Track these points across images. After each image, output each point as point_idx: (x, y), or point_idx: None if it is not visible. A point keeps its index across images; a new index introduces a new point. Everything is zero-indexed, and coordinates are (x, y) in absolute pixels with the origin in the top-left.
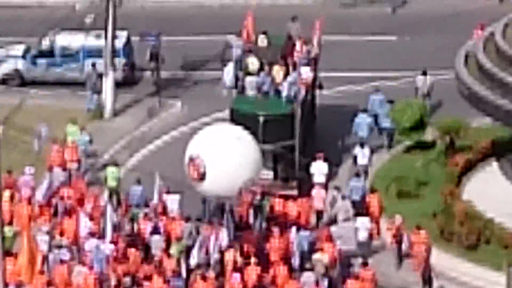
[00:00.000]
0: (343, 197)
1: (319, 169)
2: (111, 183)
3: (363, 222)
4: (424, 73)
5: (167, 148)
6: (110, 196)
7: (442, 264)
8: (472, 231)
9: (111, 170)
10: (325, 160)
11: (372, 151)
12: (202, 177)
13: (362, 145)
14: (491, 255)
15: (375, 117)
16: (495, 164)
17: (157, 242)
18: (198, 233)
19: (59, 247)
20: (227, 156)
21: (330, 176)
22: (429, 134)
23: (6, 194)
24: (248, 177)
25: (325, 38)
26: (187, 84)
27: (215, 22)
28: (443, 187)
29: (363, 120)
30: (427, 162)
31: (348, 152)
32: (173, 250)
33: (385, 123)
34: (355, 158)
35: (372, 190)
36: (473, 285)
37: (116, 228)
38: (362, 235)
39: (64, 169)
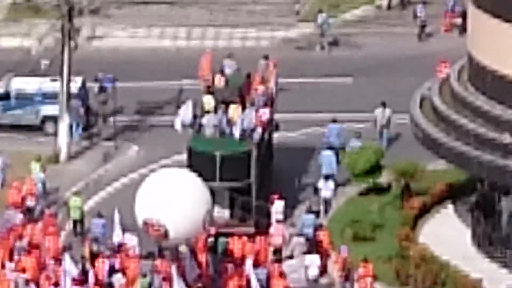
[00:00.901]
0: (298, 234)
1: (276, 207)
2: (74, 214)
3: (313, 260)
4: (383, 105)
5: (125, 191)
6: (75, 227)
7: None
8: (427, 274)
9: (74, 200)
10: (281, 198)
11: (337, 185)
12: (165, 235)
13: (326, 178)
14: None
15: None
16: (450, 207)
17: (119, 280)
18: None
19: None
20: (183, 208)
21: (286, 214)
22: (384, 178)
23: None
24: (206, 214)
25: (281, 80)
26: (143, 128)
27: (171, 66)
28: (399, 230)
29: (328, 156)
30: (383, 206)
31: (305, 191)
32: (140, 286)
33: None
34: (315, 190)
35: (321, 226)
36: None
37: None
38: (312, 273)
39: (20, 207)
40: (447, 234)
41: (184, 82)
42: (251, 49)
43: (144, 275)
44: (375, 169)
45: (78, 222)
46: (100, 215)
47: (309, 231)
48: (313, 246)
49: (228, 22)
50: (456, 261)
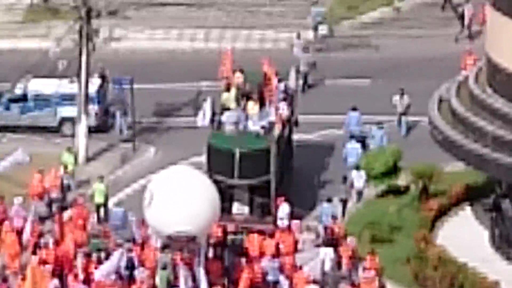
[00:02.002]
0: (308, 229)
1: (282, 211)
2: (99, 198)
3: (327, 253)
4: (402, 93)
5: (143, 192)
6: (98, 212)
7: None
8: (445, 276)
9: (98, 186)
10: (287, 201)
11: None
12: (192, 239)
13: (357, 169)
14: None
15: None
16: (468, 209)
17: (142, 273)
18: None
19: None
20: (204, 208)
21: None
22: (402, 179)
23: None
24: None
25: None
26: (161, 130)
27: (189, 67)
28: (417, 232)
29: (355, 148)
30: (401, 207)
31: (324, 189)
32: (159, 278)
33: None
34: (344, 179)
35: (334, 217)
36: None
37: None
38: (327, 266)
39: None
40: (465, 236)
41: (202, 83)
42: (269, 51)
43: (164, 268)
44: (392, 171)
45: (102, 207)
46: (119, 205)
47: (329, 219)
48: (329, 237)
49: (246, 23)
50: (474, 263)
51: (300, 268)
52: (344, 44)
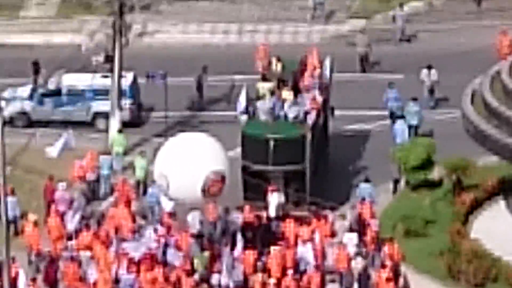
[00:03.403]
0: (341, 216)
1: (272, 200)
2: (139, 173)
3: (351, 238)
4: (429, 67)
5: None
6: (138, 186)
7: None
8: (479, 270)
9: (139, 161)
10: (276, 191)
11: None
12: (223, 181)
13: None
14: None
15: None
16: (502, 203)
17: (175, 257)
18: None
19: None
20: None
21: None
22: (436, 173)
23: (31, 217)
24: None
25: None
26: (194, 124)
27: (222, 61)
28: (450, 225)
29: (401, 127)
30: (434, 201)
31: (358, 177)
32: (198, 263)
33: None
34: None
35: (371, 198)
36: None
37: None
38: (351, 251)
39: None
40: (498, 230)
41: (235, 77)
42: (302, 45)
43: (202, 251)
44: (426, 164)
45: (142, 183)
46: (155, 183)
47: (367, 198)
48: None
49: (279, 17)
50: (508, 256)
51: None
52: (378, 37)
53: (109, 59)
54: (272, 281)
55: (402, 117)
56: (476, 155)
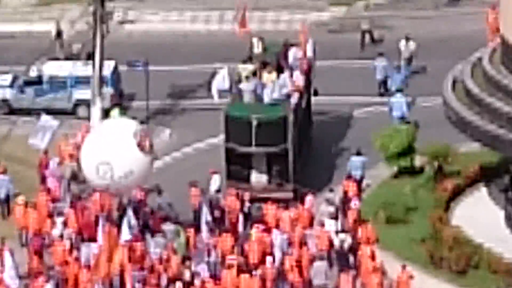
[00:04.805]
0: (327, 201)
1: (213, 181)
2: None
3: (331, 225)
4: (407, 38)
5: (158, 174)
6: None
7: None
8: (461, 257)
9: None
10: (216, 173)
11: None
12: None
13: (402, 118)
14: (480, 280)
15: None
16: (484, 189)
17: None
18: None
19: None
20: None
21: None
22: (417, 160)
23: (20, 198)
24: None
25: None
26: (176, 112)
27: (203, 49)
28: (432, 212)
29: (399, 101)
30: (416, 188)
31: (344, 157)
32: (177, 245)
33: (399, 85)
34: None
35: (348, 176)
36: None
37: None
38: (345, 249)
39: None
40: (480, 216)
41: (216, 65)
42: (283, 32)
43: (178, 233)
44: (407, 151)
45: None
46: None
47: (357, 172)
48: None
49: (260, 5)
50: (490, 243)
51: (305, 244)
52: (359, 25)
53: (90, 57)
54: (259, 272)
55: (400, 90)
56: (458, 142)
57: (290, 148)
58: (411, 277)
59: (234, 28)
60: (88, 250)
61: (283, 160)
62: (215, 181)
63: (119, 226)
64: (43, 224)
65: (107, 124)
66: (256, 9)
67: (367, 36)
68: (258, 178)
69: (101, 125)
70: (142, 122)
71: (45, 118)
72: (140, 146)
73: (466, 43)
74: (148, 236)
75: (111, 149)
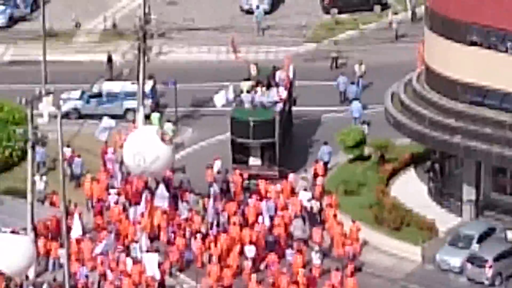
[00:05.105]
0: (317, 160)
1: (216, 166)
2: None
3: (304, 195)
4: (360, 63)
5: (183, 161)
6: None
7: (377, 241)
8: (397, 218)
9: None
10: (218, 159)
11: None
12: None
13: (356, 120)
14: (411, 235)
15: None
16: (413, 171)
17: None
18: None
19: None
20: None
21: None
22: (366, 150)
23: (88, 175)
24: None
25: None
26: (195, 117)
27: (214, 73)
28: (376, 187)
29: (357, 105)
30: (365, 170)
31: (315, 147)
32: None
33: (355, 95)
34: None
35: (317, 161)
36: (399, 256)
37: None
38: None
39: None
40: (410, 190)
41: (225, 83)
42: (272, 60)
43: (197, 201)
44: (359, 144)
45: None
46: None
47: (324, 158)
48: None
49: (255, 41)
50: (417, 208)
51: (287, 208)
52: (328, 54)
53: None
54: (256, 228)
55: (356, 99)
56: (394, 137)
57: (276, 141)
58: (359, 229)
59: (234, 57)
60: (135, 212)
61: (272, 149)
62: (217, 165)
63: (155, 195)
64: (103, 194)
65: (138, 129)
66: (253, 44)
67: (335, 61)
68: (254, 161)
69: (135, 129)
70: (172, 123)
71: (106, 119)
72: (162, 139)
73: (401, 68)
74: (177, 202)
75: (142, 142)
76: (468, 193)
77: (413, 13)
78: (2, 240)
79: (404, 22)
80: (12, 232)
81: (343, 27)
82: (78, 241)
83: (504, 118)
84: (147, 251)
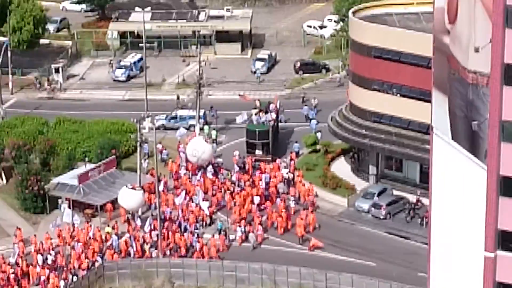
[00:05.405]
0: (283, 161)
1: (235, 154)
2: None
3: (284, 171)
4: (314, 98)
5: (220, 152)
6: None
7: (323, 195)
8: (334, 183)
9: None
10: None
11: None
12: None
13: (310, 120)
14: (342, 192)
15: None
16: (343, 158)
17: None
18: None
19: None
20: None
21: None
22: (318, 147)
23: (170, 159)
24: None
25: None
26: (227, 129)
27: (237, 107)
28: (324, 166)
29: (314, 123)
30: (317, 157)
31: (291, 144)
32: (226, 175)
33: (312, 117)
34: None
35: (291, 152)
36: (335, 203)
37: None
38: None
39: None
40: (342, 168)
41: (241, 112)
42: (267, 98)
43: (228, 173)
44: (314, 143)
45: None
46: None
47: (296, 150)
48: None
49: (258, 88)
50: (345, 178)
51: (276, 177)
52: (299, 95)
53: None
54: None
55: (313, 119)
56: (333, 140)
57: (270, 141)
58: (313, 189)
59: (244, 98)
60: (195, 179)
61: (267, 145)
62: (237, 153)
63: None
64: (178, 169)
65: (195, 138)
66: (256, 89)
67: (302, 98)
68: (258, 152)
69: (194, 136)
70: (216, 132)
71: (180, 129)
72: (206, 141)
73: (337, 103)
74: (218, 174)
75: (196, 144)
76: (372, 170)
77: (347, 72)
78: (126, 192)
79: (341, 77)
80: (132, 188)
81: (306, 81)
82: (164, 193)
83: (391, 129)
84: (202, 199)
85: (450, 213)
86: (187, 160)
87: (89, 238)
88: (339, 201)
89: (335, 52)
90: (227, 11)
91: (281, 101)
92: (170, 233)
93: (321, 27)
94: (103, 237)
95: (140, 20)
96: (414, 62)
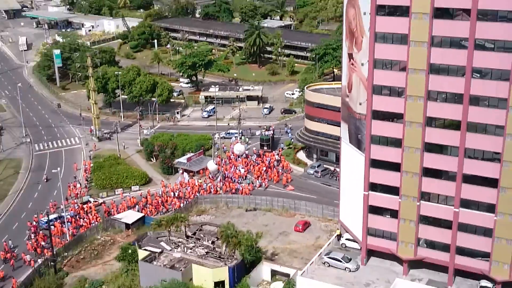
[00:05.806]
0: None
1: (238, 149)
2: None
3: (276, 156)
4: (288, 124)
5: (248, 148)
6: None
7: (293, 167)
8: (296, 161)
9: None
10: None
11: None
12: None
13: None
14: (301, 166)
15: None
16: (302, 151)
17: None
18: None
19: None
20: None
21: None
22: (292, 146)
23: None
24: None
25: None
26: (250, 138)
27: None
28: (294, 155)
29: (290, 134)
30: (291, 151)
31: (280, 144)
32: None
33: (289, 132)
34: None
35: (279, 148)
36: (298, 170)
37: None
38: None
39: None
40: (301, 156)
41: (258, 130)
42: (268, 124)
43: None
44: (290, 144)
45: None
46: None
47: (281, 147)
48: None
49: (264, 120)
50: (301, 158)
51: (273, 155)
52: (285, 123)
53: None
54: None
55: (289, 133)
56: (298, 143)
57: (270, 143)
58: (288, 163)
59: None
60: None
61: (269, 145)
62: (255, 149)
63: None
64: (230, 156)
65: (237, 143)
66: (262, 121)
67: (286, 125)
68: (265, 148)
69: (237, 142)
70: (247, 139)
71: (236, 143)
72: (241, 143)
73: (300, 126)
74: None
75: (237, 145)
76: (314, 156)
77: (304, 114)
78: (210, 163)
79: (302, 116)
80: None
81: (286, 117)
82: (223, 165)
83: (322, 138)
84: (242, 168)
85: (349, 175)
86: (233, 152)
87: (194, 185)
88: (300, 170)
89: (299, 105)
90: (251, 87)
91: (275, 126)
92: (228, 183)
93: (293, 93)
94: (198, 184)
95: (213, 91)
96: (332, 108)
